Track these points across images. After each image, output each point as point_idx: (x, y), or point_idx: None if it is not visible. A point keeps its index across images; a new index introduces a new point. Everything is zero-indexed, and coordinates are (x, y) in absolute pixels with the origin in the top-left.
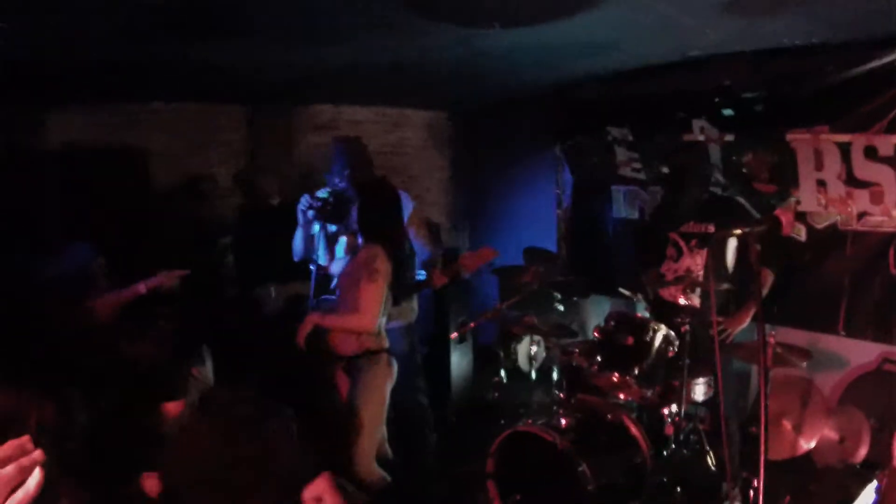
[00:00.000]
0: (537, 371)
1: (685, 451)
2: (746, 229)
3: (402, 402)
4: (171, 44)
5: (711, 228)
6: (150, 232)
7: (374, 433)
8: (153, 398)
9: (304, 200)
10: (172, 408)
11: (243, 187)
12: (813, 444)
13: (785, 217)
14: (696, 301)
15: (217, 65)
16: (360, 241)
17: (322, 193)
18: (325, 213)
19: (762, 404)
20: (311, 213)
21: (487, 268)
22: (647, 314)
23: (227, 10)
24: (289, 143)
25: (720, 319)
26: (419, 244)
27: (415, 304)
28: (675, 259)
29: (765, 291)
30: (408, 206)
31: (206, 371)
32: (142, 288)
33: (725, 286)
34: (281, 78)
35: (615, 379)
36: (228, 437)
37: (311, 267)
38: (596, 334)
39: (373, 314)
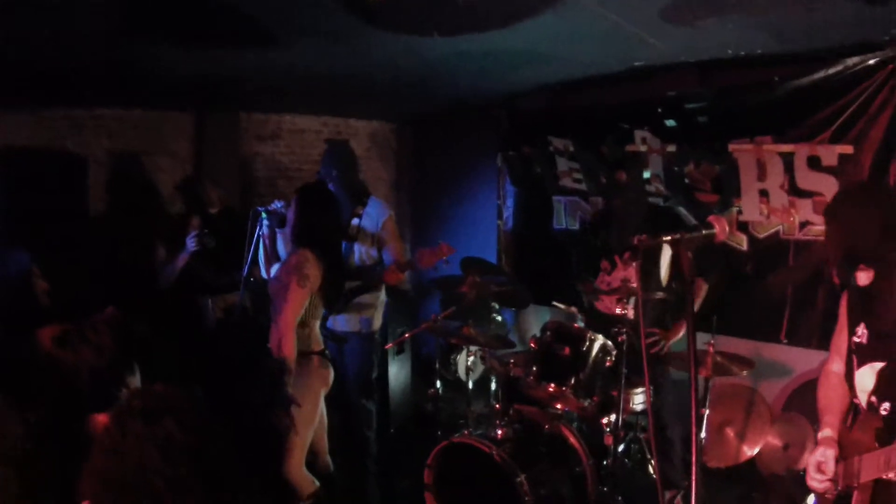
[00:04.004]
0: (475, 382)
1: (626, 461)
2: (676, 236)
3: (348, 404)
4: (119, 46)
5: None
6: (90, 239)
7: (304, 434)
8: (87, 408)
9: (265, 214)
10: (102, 419)
11: (185, 195)
12: (756, 451)
13: (719, 224)
14: (632, 312)
15: (163, 67)
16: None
17: (277, 206)
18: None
19: (693, 414)
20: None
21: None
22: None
23: (174, 12)
24: (233, 152)
25: (655, 330)
26: (387, 254)
27: (380, 313)
28: (608, 272)
29: (697, 302)
30: (383, 214)
31: (135, 383)
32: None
33: (660, 295)
34: (226, 83)
35: (551, 389)
36: (145, 441)
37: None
38: (532, 345)
39: (293, 321)
